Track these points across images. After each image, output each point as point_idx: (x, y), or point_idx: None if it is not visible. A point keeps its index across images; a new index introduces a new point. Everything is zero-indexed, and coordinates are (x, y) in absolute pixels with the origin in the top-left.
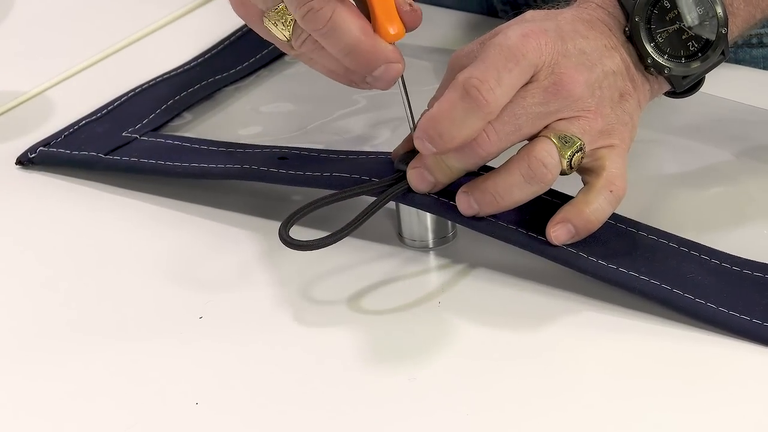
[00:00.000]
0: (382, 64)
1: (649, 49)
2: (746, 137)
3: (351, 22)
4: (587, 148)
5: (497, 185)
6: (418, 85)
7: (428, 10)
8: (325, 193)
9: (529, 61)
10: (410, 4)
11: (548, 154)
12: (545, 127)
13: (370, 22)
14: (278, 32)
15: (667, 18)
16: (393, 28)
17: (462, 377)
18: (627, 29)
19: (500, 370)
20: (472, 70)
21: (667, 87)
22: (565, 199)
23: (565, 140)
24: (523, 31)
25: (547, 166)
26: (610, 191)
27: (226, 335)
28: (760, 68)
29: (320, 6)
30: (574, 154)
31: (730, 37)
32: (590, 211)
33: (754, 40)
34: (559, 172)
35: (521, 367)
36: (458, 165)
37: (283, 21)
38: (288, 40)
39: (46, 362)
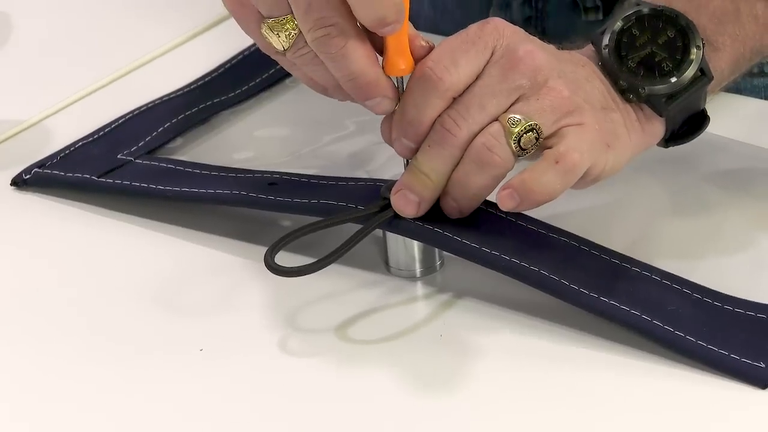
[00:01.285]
0: (377, 97)
1: (623, 73)
2: (734, 171)
3: (361, 54)
4: (549, 127)
5: (457, 175)
6: None
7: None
8: (313, 220)
9: (485, 42)
10: (426, 41)
11: (492, 136)
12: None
13: (383, 52)
14: (276, 41)
15: (638, 44)
16: (403, 62)
17: (448, 408)
18: (599, 62)
19: (483, 400)
20: (429, 56)
21: (657, 120)
22: (558, 232)
23: (512, 121)
24: (485, 21)
25: (491, 149)
26: (556, 162)
27: (210, 360)
28: (761, 98)
29: (336, 33)
30: (522, 135)
31: (719, 73)
32: (531, 179)
33: (756, 69)
34: (510, 154)
35: (502, 397)
36: (435, 164)
37: (285, 32)
38: (284, 51)
39: (41, 391)
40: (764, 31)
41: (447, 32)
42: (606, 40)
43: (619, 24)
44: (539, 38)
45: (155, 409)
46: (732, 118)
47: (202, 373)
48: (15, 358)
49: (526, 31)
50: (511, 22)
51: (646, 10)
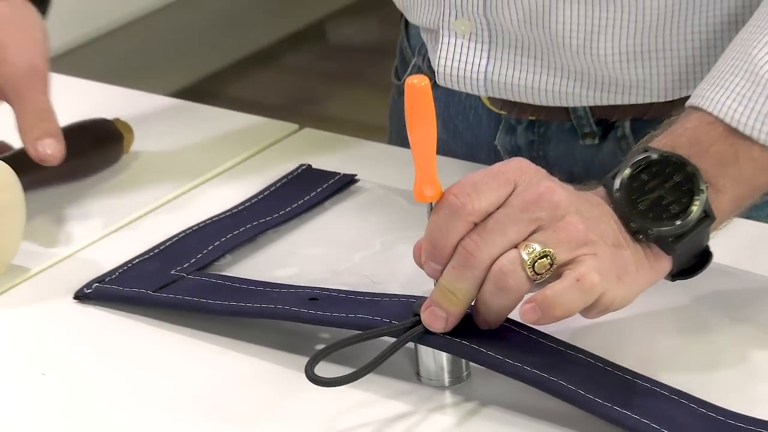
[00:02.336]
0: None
1: (633, 215)
2: (733, 296)
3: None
4: (564, 255)
5: (481, 295)
6: None
7: (440, 160)
8: (350, 333)
9: (507, 177)
10: None
11: (509, 262)
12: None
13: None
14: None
15: (647, 188)
16: (429, 190)
17: None
18: (611, 203)
19: None
20: (454, 185)
21: (665, 258)
22: (575, 349)
23: (528, 248)
24: (510, 160)
25: (506, 273)
26: (576, 280)
27: None
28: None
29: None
30: (536, 261)
31: (721, 213)
32: (552, 294)
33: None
34: (525, 279)
35: None
36: (460, 284)
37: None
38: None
39: None
40: (761, 173)
41: (458, 153)
42: (617, 185)
43: (629, 170)
44: (557, 176)
45: None
46: (736, 242)
47: None
48: None
49: (531, 158)
50: (515, 145)
51: (655, 156)
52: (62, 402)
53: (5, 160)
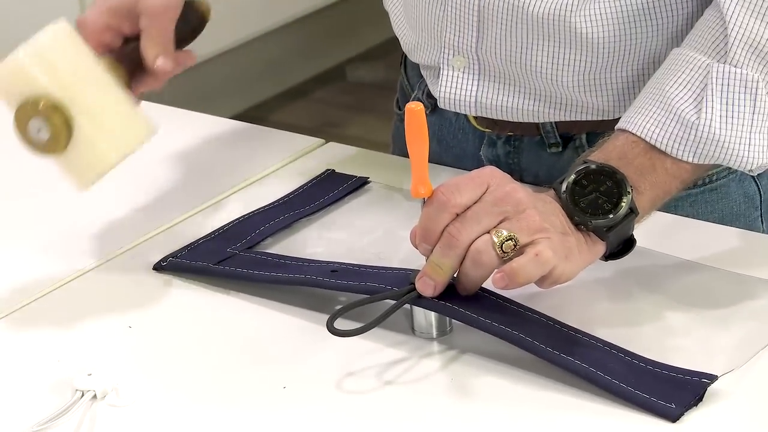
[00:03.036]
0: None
1: (576, 211)
2: (653, 275)
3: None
4: (525, 239)
5: (461, 270)
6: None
7: (433, 168)
8: (361, 297)
9: (482, 180)
10: None
11: (483, 243)
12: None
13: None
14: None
15: (586, 191)
16: (422, 189)
17: (456, 427)
18: (559, 201)
19: (482, 421)
20: (441, 185)
21: (600, 244)
22: (533, 311)
23: (498, 233)
24: (483, 168)
25: (481, 252)
26: (535, 255)
27: (291, 395)
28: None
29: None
30: (504, 242)
31: (642, 209)
32: (517, 266)
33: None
34: (495, 256)
35: (494, 419)
36: (445, 260)
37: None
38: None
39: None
40: (672, 179)
41: (448, 163)
42: (564, 188)
43: (573, 177)
44: (517, 179)
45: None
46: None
47: (285, 403)
48: (166, 391)
49: (507, 164)
50: (496, 156)
51: (593, 167)
52: (145, 348)
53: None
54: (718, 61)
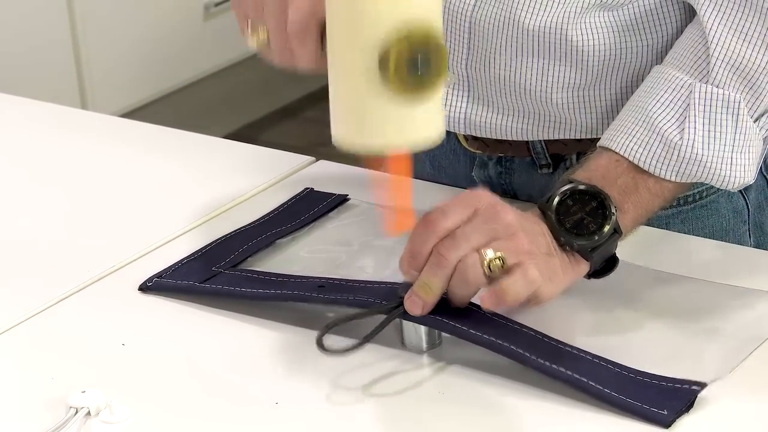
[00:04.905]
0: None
1: (562, 232)
2: (634, 290)
3: None
4: (512, 260)
5: (450, 286)
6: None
7: (429, 186)
8: (350, 312)
9: (469, 203)
10: None
11: (472, 261)
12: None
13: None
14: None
15: (571, 211)
16: (408, 220)
17: None
18: (546, 222)
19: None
20: (430, 210)
21: (584, 263)
22: (521, 325)
23: (485, 252)
24: (473, 190)
25: (468, 270)
26: (523, 275)
27: (283, 409)
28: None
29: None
30: (492, 261)
31: (625, 228)
32: (506, 285)
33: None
34: (481, 274)
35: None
36: (434, 279)
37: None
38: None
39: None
40: (655, 198)
41: (442, 182)
42: (550, 208)
43: (558, 198)
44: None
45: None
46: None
47: (278, 419)
48: (160, 408)
49: (500, 185)
50: (488, 176)
51: (580, 188)
52: (137, 364)
53: None
54: (700, 80)
